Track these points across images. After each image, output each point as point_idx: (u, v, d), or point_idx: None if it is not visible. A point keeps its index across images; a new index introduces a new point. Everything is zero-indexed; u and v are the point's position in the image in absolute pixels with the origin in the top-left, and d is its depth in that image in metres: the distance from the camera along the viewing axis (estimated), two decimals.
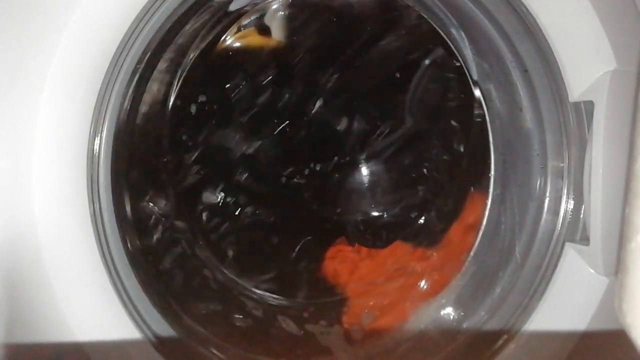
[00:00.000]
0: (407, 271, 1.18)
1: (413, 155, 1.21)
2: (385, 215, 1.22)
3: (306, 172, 1.19)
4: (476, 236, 1.11)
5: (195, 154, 1.15)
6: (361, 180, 1.22)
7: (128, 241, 0.86)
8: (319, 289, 1.18)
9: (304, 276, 1.19)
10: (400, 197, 1.23)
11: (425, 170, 1.21)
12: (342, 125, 1.19)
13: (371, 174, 1.21)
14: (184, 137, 1.14)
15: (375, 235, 1.21)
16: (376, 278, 1.19)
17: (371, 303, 1.16)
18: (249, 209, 1.18)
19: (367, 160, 1.20)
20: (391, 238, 1.21)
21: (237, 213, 1.17)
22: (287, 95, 1.17)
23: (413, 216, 1.22)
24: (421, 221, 1.21)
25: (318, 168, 1.20)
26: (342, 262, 1.20)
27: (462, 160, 1.18)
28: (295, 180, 1.19)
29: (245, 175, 1.18)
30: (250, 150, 1.18)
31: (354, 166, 1.20)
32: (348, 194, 1.22)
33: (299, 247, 1.20)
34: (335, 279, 1.18)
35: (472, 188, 1.16)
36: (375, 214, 1.22)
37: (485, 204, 1.11)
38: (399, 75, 1.18)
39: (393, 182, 1.22)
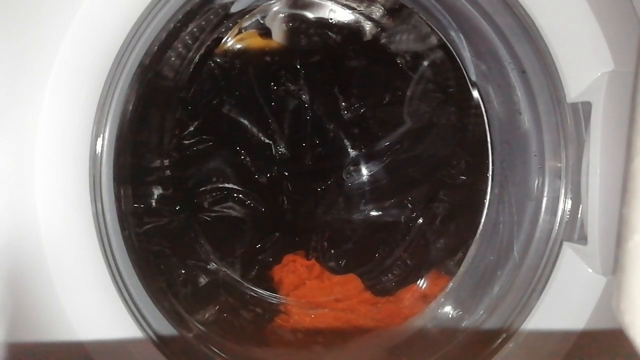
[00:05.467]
0: (347, 306, 1.17)
1: (401, 186, 1.21)
2: (354, 243, 1.22)
3: (294, 173, 1.20)
4: (426, 308, 1.11)
5: (197, 151, 1.15)
6: (344, 196, 1.21)
7: (130, 240, 0.87)
8: (265, 284, 1.18)
9: (259, 266, 1.19)
10: (377, 231, 1.22)
11: (409, 211, 1.21)
12: (338, 129, 1.19)
13: (356, 193, 1.21)
14: (185, 135, 1.14)
15: (335, 258, 1.21)
16: (317, 300, 1.17)
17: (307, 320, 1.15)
18: (242, 201, 1.18)
19: (358, 173, 1.20)
20: (349, 268, 1.21)
21: (231, 206, 1.18)
22: (284, 97, 1.18)
23: (379, 257, 1.22)
24: (385, 265, 1.21)
25: (307, 170, 1.20)
26: (291, 272, 1.19)
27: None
28: (281, 178, 1.20)
29: (241, 171, 1.18)
30: (249, 149, 1.18)
31: (342, 178, 1.21)
32: (328, 205, 1.22)
33: (266, 240, 1.20)
34: (277, 286, 1.18)
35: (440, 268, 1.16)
36: (345, 237, 1.22)
37: (446, 287, 1.11)
38: (397, 78, 1.18)
39: (375, 210, 1.22)
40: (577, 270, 0.87)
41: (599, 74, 0.81)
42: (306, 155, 1.19)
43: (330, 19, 1.16)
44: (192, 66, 1.09)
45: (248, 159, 1.18)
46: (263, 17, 1.13)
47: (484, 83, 1.08)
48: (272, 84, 1.17)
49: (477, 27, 0.98)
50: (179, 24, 0.90)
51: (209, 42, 1.09)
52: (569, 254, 0.88)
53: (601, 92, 0.80)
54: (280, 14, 1.14)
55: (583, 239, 0.86)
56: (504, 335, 0.92)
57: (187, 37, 1.02)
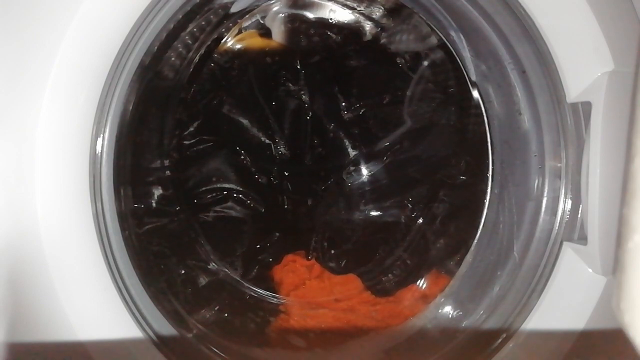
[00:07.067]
0: (347, 306, 1.17)
1: (401, 186, 1.21)
2: (354, 243, 1.21)
3: (294, 173, 1.20)
4: (426, 308, 1.11)
5: (197, 152, 1.15)
6: (345, 197, 1.21)
7: (130, 241, 0.87)
8: (265, 284, 1.18)
9: (259, 266, 1.19)
10: (377, 231, 1.22)
11: (409, 211, 1.21)
12: (338, 129, 1.19)
13: (356, 193, 1.21)
14: (186, 136, 1.14)
15: (335, 258, 1.21)
16: (317, 300, 1.17)
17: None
18: (242, 201, 1.18)
19: (358, 173, 1.20)
20: (349, 268, 1.20)
21: (231, 206, 1.18)
22: (284, 97, 1.18)
23: (379, 257, 1.21)
24: (385, 265, 1.21)
25: (307, 170, 1.20)
26: (291, 272, 1.18)
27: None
28: (281, 179, 1.20)
29: (241, 171, 1.18)
30: (249, 149, 1.18)
31: (342, 178, 1.20)
32: (328, 205, 1.21)
33: (267, 240, 1.20)
34: (278, 286, 1.17)
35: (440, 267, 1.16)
36: (345, 237, 1.21)
37: (446, 287, 1.11)
38: (397, 78, 1.18)
39: (375, 210, 1.21)
40: (577, 270, 0.87)
41: (599, 74, 0.81)
42: (306, 155, 1.19)
43: (330, 19, 1.16)
44: (192, 66, 1.09)
45: (248, 159, 1.18)
46: (263, 17, 1.13)
47: (484, 83, 1.08)
48: (272, 84, 1.17)
49: (477, 27, 0.99)
50: (179, 24, 0.89)
51: (209, 42, 1.09)
52: (569, 254, 0.88)
53: (601, 92, 0.80)
54: (280, 14, 1.14)
55: (583, 239, 0.86)
56: (504, 335, 0.92)
57: (187, 37, 1.02)
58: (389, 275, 1.21)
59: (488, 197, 1.10)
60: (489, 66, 1.05)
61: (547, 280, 0.89)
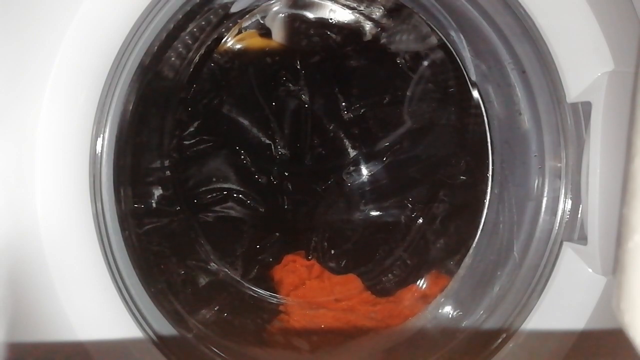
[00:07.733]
0: (347, 306, 1.17)
1: (401, 186, 1.21)
2: (354, 243, 1.21)
3: (294, 173, 1.20)
4: (426, 308, 1.11)
5: (197, 152, 1.15)
6: (345, 197, 1.21)
7: (130, 241, 0.86)
8: (265, 284, 1.18)
9: (259, 266, 1.19)
10: (377, 231, 1.22)
11: (409, 211, 1.21)
12: (338, 129, 1.19)
13: (356, 193, 1.20)
14: (186, 136, 1.14)
15: (336, 258, 1.21)
16: (317, 300, 1.17)
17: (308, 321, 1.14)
18: (242, 201, 1.18)
19: (358, 173, 1.20)
20: (349, 268, 1.20)
21: (231, 206, 1.18)
22: (285, 97, 1.18)
23: (379, 257, 1.21)
24: (385, 265, 1.21)
25: (308, 171, 1.20)
26: (291, 272, 1.18)
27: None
28: (281, 179, 1.20)
29: (241, 171, 1.18)
30: (249, 149, 1.18)
31: (342, 178, 1.20)
32: (328, 205, 1.21)
33: (267, 240, 1.20)
34: (278, 286, 1.17)
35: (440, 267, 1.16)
36: (345, 237, 1.21)
37: (446, 287, 1.11)
38: (397, 78, 1.18)
39: (375, 210, 1.21)
40: (577, 270, 0.87)
41: (599, 74, 0.81)
42: (306, 155, 1.19)
43: (330, 19, 1.16)
44: (192, 66, 1.09)
45: (248, 159, 1.18)
46: (263, 17, 1.13)
47: (484, 83, 1.08)
48: (272, 84, 1.17)
49: (477, 27, 0.99)
50: (179, 24, 0.89)
51: (209, 42, 1.09)
52: (569, 254, 0.88)
53: (601, 92, 0.80)
54: (280, 14, 1.14)
55: (583, 239, 0.86)
56: (504, 335, 0.92)
57: (187, 37, 1.02)
58: (389, 275, 1.21)
59: (488, 197, 1.10)
60: (489, 66, 1.05)
61: (547, 280, 0.89)
